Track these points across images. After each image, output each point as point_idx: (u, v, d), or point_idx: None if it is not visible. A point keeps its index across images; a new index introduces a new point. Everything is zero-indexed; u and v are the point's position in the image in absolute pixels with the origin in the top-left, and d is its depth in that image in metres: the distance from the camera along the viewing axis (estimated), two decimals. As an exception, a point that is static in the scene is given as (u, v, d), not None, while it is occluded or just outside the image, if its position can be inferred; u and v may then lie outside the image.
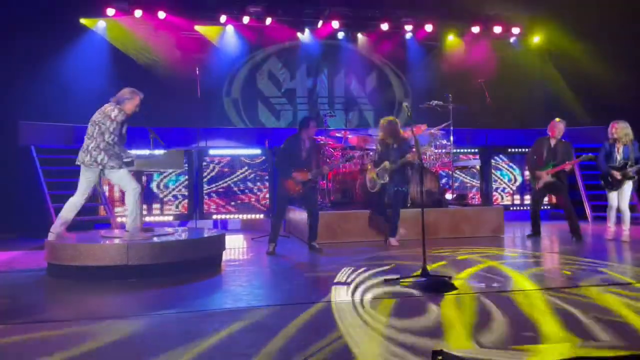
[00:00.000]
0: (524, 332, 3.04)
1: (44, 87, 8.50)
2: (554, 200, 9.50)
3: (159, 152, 5.52)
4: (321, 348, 2.81)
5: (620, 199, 6.76)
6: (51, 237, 5.05)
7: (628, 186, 6.70)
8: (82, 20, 9.57)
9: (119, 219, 8.42)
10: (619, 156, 6.69)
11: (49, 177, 7.85)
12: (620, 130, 6.67)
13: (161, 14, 9.72)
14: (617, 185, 6.72)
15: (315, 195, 6.50)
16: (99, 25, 9.69)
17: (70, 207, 5.14)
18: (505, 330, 3.09)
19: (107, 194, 8.40)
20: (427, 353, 2.60)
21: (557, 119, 6.96)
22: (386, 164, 6.42)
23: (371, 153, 7.36)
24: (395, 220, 6.61)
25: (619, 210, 6.86)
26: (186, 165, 8.91)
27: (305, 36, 10.98)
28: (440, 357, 1.84)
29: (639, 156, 6.66)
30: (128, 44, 9.84)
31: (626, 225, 6.76)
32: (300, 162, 6.18)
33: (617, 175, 6.64)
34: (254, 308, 3.69)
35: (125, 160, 5.06)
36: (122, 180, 5.09)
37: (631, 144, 6.68)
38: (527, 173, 10.06)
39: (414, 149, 5.86)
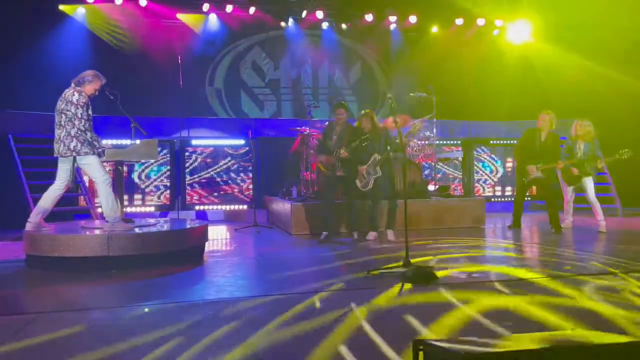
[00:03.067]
0: (504, 321, 3.09)
1: (22, 75, 8.32)
2: (534, 191, 9.64)
3: (132, 142, 5.43)
4: (305, 338, 2.83)
5: (586, 192, 7.00)
6: (29, 227, 4.97)
7: (588, 180, 6.95)
8: (61, 7, 9.37)
9: (99, 210, 8.33)
10: (579, 152, 6.93)
11: (28, 166, 7.69)
12: (582, 128, 6.93)
13: (142, 1, 9.55)
14: (576, 180, 6.97)
15: (345, 184, 6.37)
16: (79, 11, 9.50)
17: (49, 197, 5.05)
18: (484, 320, 3.14)
19: (87, 184, 8.28)
20: (408, 342, 2.63)
21: (547, 111, 6.97)
22: (376, 155, 6.20)
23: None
24: (394, 216, 6.40)
25: (586, 203, 7.15)
26: (168, 155, 8.83)
27: (289, 26, 10.91)
28: (421, 347, 1.85)
29: (599, 154, 6.94)
30: (108, 32, 9.67)
31: (600, 216, 6.93)
32: (331, 145, 6.27)
33: (575, 171, 6.89)
34: (237, 299, 3.68)
35: (95, 145, 4.98)
36: (92, 169, 4.99)
37: (592, 141, 6.93)
38: (509, 165, 10.21)
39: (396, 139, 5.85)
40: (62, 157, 4.95)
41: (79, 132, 4.84)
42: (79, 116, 4.83)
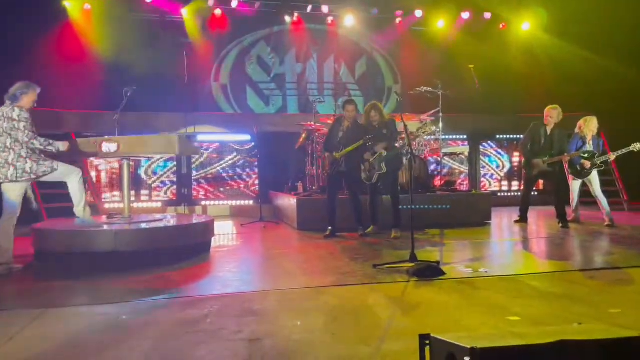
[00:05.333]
0: (510, 315, 3.09)
1: (29, 71, 8.33)
2: (541, 186, 9.61)
3: (154, 136, 5.34)
4: (309, 332, 2.84)
5: (592, 186, 7.01)
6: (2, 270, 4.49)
7: (595, 174, 6.95)
8: (65, 3, 9.39)
9: (106, 205, 8.38)
10: (588, 147, 6.93)
11: (35, 162, 7.73)
12: (590, 123, 6.93)
13: (147, -3, 9.57)
14: (585, 174, 6.94)
15: (348, 179, 6.33)
16: (83, 8, 9.52)
17: (6, 233, 4.56)
18: (491, 314, 3.14)
19: (94, 179, 8.34)
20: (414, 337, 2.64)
21: (553, 106, 6.96)
22: (382, 152, 6.09)
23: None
24: (399, 212, 6.23)
25: (592, 197, 7.14)
26: (174, 151, 8.86)
27: (294, 20, 10.88)
28: (427, 342, 1.86)
29: (603, 147, 6.99)
30: (113, 27, 9.67)
31: (606, 210, 6.89)
32: (336, 142, 6.24)
33: (587, 164, 6.88)
34: (242, 293, 3.69)
35: (51, 149, 4.59)
36: (61, 174, 4.71)
37: (599, 136, 6.99)
38: (516, 160, 10.17)
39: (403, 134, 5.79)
40: (13, 183, 4.49)
41: (29, 152, 4.47)
42: (27, 129, 4.42)
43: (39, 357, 2.58)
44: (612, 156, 6.87)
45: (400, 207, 6.21)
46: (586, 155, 6.87)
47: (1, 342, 2.78)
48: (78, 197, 4.85)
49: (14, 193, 4.56)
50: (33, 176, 4.53)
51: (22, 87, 4.55)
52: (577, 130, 7.07)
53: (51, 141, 4.58)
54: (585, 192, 7.32)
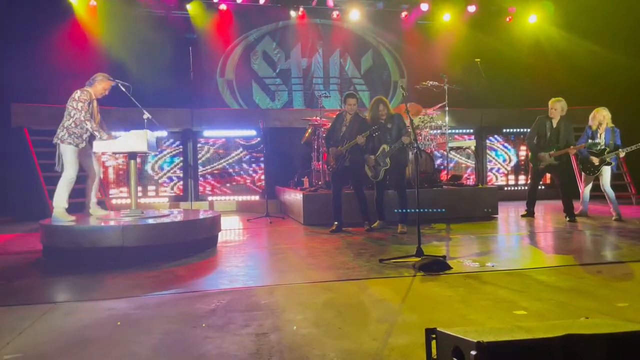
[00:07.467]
0: (516, 310, 3.09)
1: (36, 68, 8.40)
2: (548, 180, 9.55)
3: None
4: (316, 326, 2.84)
5: (602, 180, 6.94)
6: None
7: (606, 170, 6.88)
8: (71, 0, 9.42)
9: (113, 201, 8.43)
10: (599, 139, 6.85)
11: (43, 158, 7.80)
12: (603, 116, 6.84)
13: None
14: (594, 170, 6.88)
15: (354, 174, 6.31)
16: (89, 4, 9.55)
17: (62, 190, 5.29)
18: (497, 309, 3.13)
19: (101, 175, 8.36)
20: (421, 331, 2.64)
21: (557, 99, 6.91)
22: (385, 147, 6.11)
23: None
24: (406, 206, 6.19)
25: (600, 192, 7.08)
26: (180, 147, 8.90)
27: (299, 15, 10.86)
28: (433, 335, 1.86)
29: (619, 142, 6.82)
30: (119, 24, 9.70)
31: (613, 205, 6.86)
32: (339, 137, 6.25)
33: (596, 161, 6.83)
34: (249, 288, 3.71)
35: (97, 135, 5.22)
36: (65, 159, 5.21)
37: (612, 129, 6.85)
38: (522, 153, 10.12)
39: (409, 128, 5.79)
40: (64, 145, 5.23)
41: (72, 125, 5.21)
42: (79, 108, 5.17)
43: (48, 351, 2.61)
44: (622, 153, 6.78)
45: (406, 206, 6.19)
46: (595, 149, 6.80)
47: (12, 336, 2.81)
48: (57, 190, 5.26)
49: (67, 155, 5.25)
50: (59, 141, 5.20)
51: (99, 75, 5.40)
52: (591, 124, 7.02)
53: (101, 130, 5.24)
54: (594, 186, 7.27)
